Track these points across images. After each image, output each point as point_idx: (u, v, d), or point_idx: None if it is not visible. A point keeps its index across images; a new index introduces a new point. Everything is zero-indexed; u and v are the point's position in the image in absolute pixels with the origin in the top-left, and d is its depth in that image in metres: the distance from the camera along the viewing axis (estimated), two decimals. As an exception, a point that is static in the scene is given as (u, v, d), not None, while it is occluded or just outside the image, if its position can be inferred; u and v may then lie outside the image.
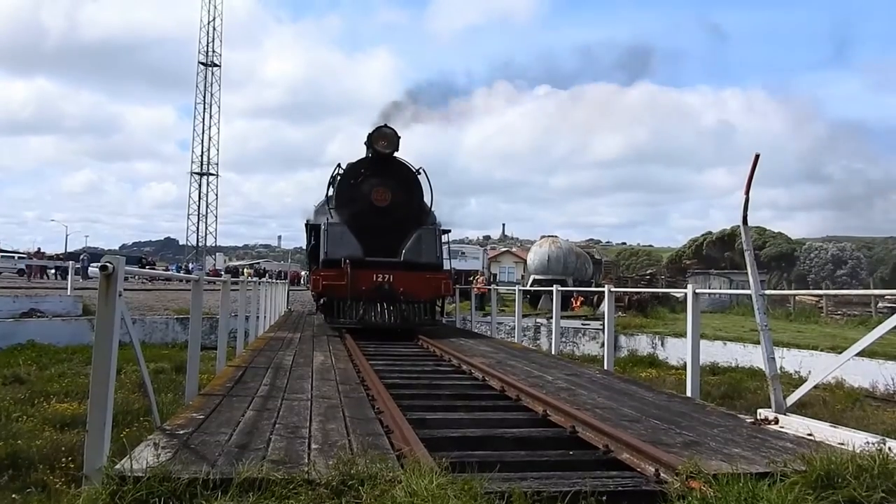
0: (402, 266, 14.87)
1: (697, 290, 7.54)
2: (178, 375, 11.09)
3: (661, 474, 4.03)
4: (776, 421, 5.63)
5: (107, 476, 3.59)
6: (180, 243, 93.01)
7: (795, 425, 5.44)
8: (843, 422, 6.98)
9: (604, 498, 3.65)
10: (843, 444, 4.63)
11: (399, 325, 14.31)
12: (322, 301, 15.72)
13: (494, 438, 5.25)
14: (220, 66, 78.39)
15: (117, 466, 3.71)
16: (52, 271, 40.41)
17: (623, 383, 8.28)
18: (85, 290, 23.21)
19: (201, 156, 78.38)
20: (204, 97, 77.84)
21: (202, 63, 77.60)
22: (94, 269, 31.26)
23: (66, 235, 78.60)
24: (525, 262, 45.68)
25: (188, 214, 79.06)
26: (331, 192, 16.07)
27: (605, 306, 11.39)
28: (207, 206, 79.01)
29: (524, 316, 18.01)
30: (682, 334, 13.09)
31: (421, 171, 15.90)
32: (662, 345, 18.35)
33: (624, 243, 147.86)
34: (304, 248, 21.56)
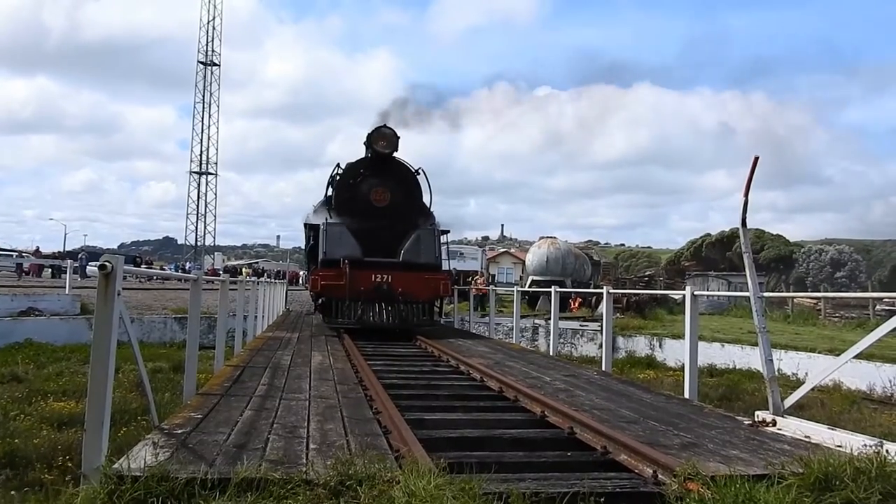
0: (401, 266, 14.88)
1: (696, 292, 7.54)
2: (176, 375, 11.08)
3: (659, 476, 4.03)
4: (774, 423, 5.64)
5: (105, 475, 3.58)
6: (179, 242, 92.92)
7: (793, 427, 5.44)
8: (840, 424, 6.97)
9: (602, 499, 3.65)
10: (840, 446, 4.64)
11: (397, 326, 14.31)
12: (320, 301, 15.73)
13: (492, 439, 5.25)
14: (219, 66, 78.36)
15: (115, 466, 3.71)
16: (48, 270, 40.37)
17: (621, 384, 8.29)
18: (83, 289, 23.19)
19: (200, 155, 78.30)
20: (203, 96, 77.79)
21: (201, 62, 77.57)
22: (92, 269, 31.24)
23: (65, 234, 78.68)
24: (523, 263, 45.68)
25: (187, 214, 78.96)
26: (330, 192, 16.07)
27: (603, 307, 11.39)
28: (206, 206, 78.94)
29: (522, 317, 18.02)
30: (681, 336, 13.09)
31: (420, 171, 15.91)
32: (660, 346, 18.36)
33: (623, 245, 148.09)
34: (303, 247, 21.57)
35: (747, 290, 6.11)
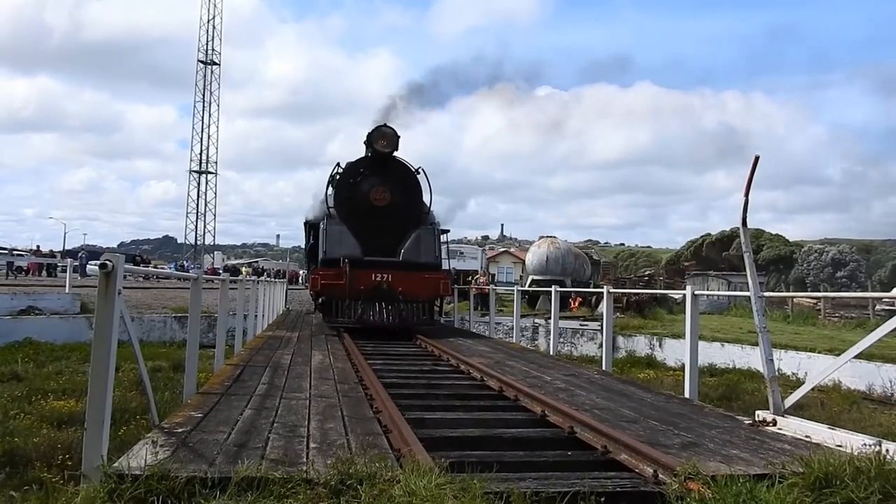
0: (401, 266, 14.87)
1: (696, 292, 7.53)
2: (176, 374, 11.08)
3: (660, 475, 4.03)
4: (774, 422, 5.64)
5: (105, 474, 3.58)
6: (179, 242, 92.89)
7: (793, 427, 5.44)
8: (840, 424, 6.97)
9: (602, 499, 3.65)
10: (840, 445, 4.64)
11: (397, 325, 14.31)
12: (320, 300, 15.73)
13: (493, 438, 5.25)
14: (219, 65, 78.34)
15: (115, 464, 3.71)
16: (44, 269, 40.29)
17: (621, 384, 8.29)
18: (83, 287, 23.18)
19: (200, 154, 78.34)
20: (203, 96, 77.78)
21: (201, 61, 77.55)
22: (92, 267, 31.23)
23: (65, 233, 78.61)
24: (523, 262, 45.68)
25: (187, 213, 79.00)
26: (330, 192, 16.06)
27: (603, 307, 11.39)
28: (206, 205, 78.97)
29: (522, 316, 18.01)
30: (681, 335, 13.10)
31: (420, 170, 15.89)
32: (660, 346, 18.35)
33: (623, 244, 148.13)
34: (303, 247, 21.55)
35: (747, 290, 6.11)
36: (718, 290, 32.37)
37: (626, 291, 26.67)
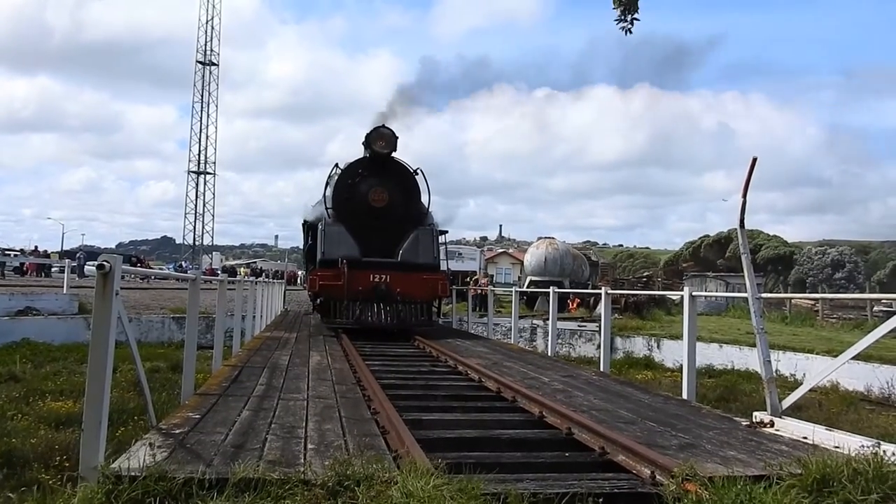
0: (399, 267, 14.87)
1: (694, 293, 7.54)
2: (174, 374, 11.05)
3: (657, 476, 4.03)
4: (772, 424, 5.64)
5: (103, 475, 3.58)
6: (177, 242, 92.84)
7: (791, 428, 5.45)
8: (838, 425, 6.97)
9: (600, 500, 3.66)
10: (838, 447, 4.65)
11: (395, 326, 14.31)
12: (319, 301, 15.71)
13: (491, 440, 5.25)
14: (218, 66, 78.35)
15: (113, 465, 3.71)
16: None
17: (619, 385, 8.29)
18: (81, 288, 23.15)
19: (199, 154, 78.36)
20: (202, 96, 77.84)
21: (200, 62, 77.57)
22: (90, 268, 31.13)
23: (63, 233, 78.50)
24: (522, 263, 45.69)
25: (185, 213, 79.01)
26: (328, 192, 16.05)
27: (601, 308, 11.39)
28: (205, 205, 79.00)
29: (521, 317, 18.02)
30: (679, 336, 13.10)
31: (419, 171, 15.89)
32: (658, 347, 18.36)
33: (621, 245, 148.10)
34: (301, 247, 21.53)
35: (745, 291, 6.12)
36: (716, 292, 32.41)
37: (625, 292, 26.68)
